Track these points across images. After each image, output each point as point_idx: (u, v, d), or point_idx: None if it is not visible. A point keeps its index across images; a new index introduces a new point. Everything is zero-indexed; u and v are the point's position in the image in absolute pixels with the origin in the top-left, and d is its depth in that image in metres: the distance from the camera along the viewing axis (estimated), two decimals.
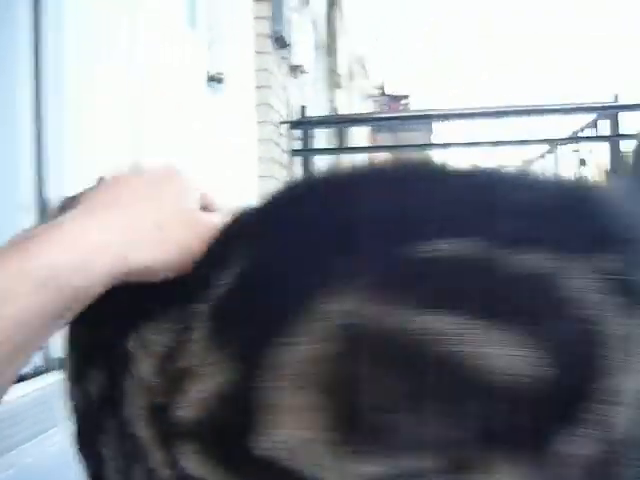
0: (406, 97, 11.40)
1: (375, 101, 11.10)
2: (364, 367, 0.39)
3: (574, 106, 3.81)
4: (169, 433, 0.45)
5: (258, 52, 3.74)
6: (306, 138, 4.08)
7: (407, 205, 0.43)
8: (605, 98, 3.81)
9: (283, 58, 4.18)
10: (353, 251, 0.41)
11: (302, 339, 0.40)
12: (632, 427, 0.38)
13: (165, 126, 2.51)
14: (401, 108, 10.99)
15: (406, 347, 0.38)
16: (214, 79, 3.34)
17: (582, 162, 4.05)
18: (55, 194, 1.58)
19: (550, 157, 4.58)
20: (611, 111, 3.67)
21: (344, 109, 7.13)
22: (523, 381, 0.37)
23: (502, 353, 0.37)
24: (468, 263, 0.39)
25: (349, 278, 0.40)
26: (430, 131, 7.42)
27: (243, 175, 3.46)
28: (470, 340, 0.37)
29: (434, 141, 7.35)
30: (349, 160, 6.05)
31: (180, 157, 2.59)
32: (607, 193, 0.46)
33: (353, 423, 0.40)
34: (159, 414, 0.45)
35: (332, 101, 6.67)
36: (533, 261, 0.39)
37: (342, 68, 7.19)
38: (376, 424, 0.39)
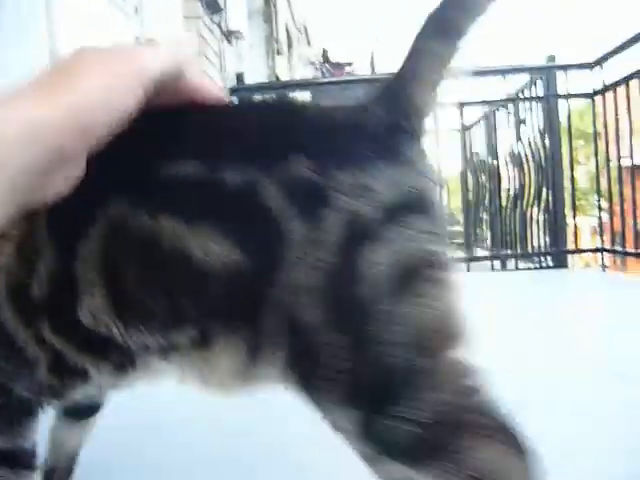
0: (350, 64, 11.30)
1: (317, 68, 10.97)
2: (122, 259, 0.51)
3: (510, 67, 3.84)
4: (31, 311, 0.53)
5: (187, 17, 3.63)
6: None
7: (173, 129, 0.53)
8: (541, 60, 3.87)
9: (216, 23, 4.07)
10: (129, 166, 0.52)
11: (93, 235, 0.51)
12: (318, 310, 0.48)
13: None
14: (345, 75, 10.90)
15: (148, 243, 0.50)
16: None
17: (521, 122, 4.10)
18: None
19: (489, 120, 4.62)
20: (545, 71, 3.72)
21: (285, 76, 7.02)
22: (223, 267, 0.49)
23: (207, 246, 0.49)
24: (192, 179, 0.50)
25: (120, 188, 0.51)
26: None
27: None
28: (188, 237, 0.49)
29: None
30: None
31: None
32: (305, 107, 0.55)
33: (120, 302, 0.51)
34: (21, 294, 0.53)
35: (272, 68, 6.56)
36: (236, 174, 0.49)
37: (282, 34, 7.08)
38: (135, 304, 0.51)
